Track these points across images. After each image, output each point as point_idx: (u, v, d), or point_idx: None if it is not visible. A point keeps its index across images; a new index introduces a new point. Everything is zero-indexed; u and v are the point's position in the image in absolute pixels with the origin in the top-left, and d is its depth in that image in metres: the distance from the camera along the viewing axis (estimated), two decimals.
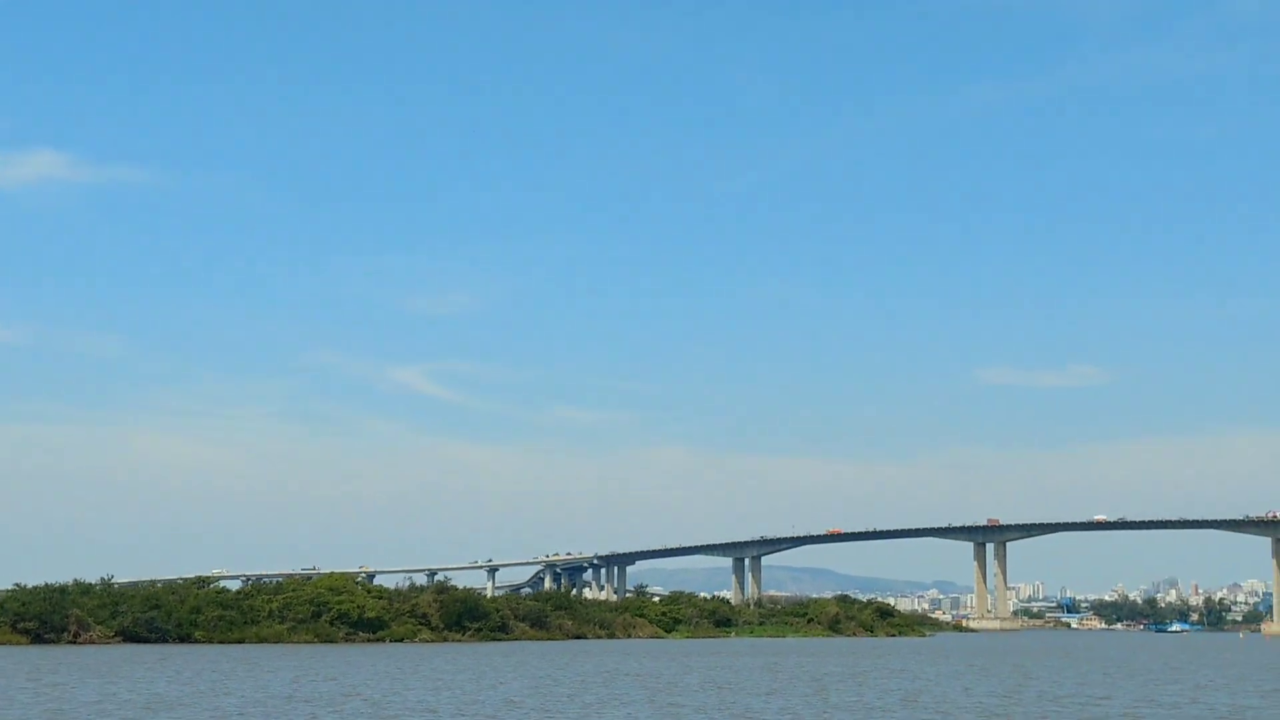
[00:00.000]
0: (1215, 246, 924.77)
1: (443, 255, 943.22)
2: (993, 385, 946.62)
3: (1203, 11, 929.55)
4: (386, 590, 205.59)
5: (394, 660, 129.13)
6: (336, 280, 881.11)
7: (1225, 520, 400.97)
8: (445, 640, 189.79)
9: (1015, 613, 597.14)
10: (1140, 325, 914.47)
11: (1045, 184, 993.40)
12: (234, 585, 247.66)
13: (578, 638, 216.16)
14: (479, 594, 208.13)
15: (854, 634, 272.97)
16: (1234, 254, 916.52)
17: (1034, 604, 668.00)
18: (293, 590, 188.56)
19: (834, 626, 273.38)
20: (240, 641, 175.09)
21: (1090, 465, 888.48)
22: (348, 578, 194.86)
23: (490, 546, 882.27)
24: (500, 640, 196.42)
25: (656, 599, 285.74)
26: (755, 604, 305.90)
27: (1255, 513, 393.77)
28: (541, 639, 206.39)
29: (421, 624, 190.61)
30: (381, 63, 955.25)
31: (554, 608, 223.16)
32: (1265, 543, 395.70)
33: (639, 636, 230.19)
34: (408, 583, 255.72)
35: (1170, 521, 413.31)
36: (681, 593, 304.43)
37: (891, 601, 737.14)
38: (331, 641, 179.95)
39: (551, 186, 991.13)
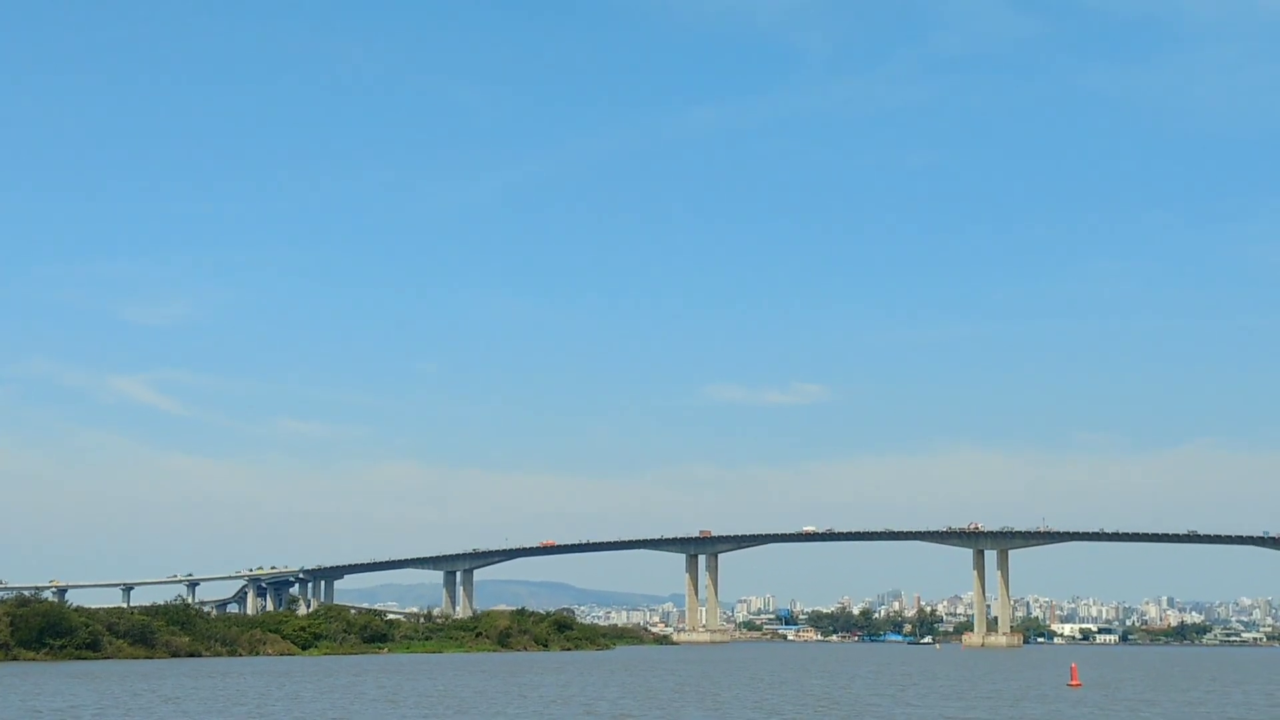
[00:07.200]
0: (931, 270, 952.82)
1: (158, 262, 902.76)
2: (720, 402, 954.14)
3: (911, 45, 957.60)
4: None
5: None
6: (47, 286, 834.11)
7: (930, 532, 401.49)
8: (15, 659, 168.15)
9: (739, 625, 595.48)
10: (862, 345, 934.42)
11: (768, 205, 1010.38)
12: None
13: (192, 655, 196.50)
14: (63, 607, 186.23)
15: (525, 648, 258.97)
16: (949, 278, 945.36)
17: (761, 616, 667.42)
18: None
19: (503, 641, 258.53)
20: None
21: (813, 480, 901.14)
22: None
23: (202, 561, 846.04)
24: (86, 659, 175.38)
25: (301, 614, 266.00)
26: (425, 618, 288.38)
27: (960, 525, 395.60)
28: (142, 657, 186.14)
29: None
30: (96, 63, 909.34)
31: (168, 622, 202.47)
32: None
33: (268, 654, 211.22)
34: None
35: (876, 533, 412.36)
36: (334, 606, 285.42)
37: (624, 614, 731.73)
38: None
39: (270, 195, 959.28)
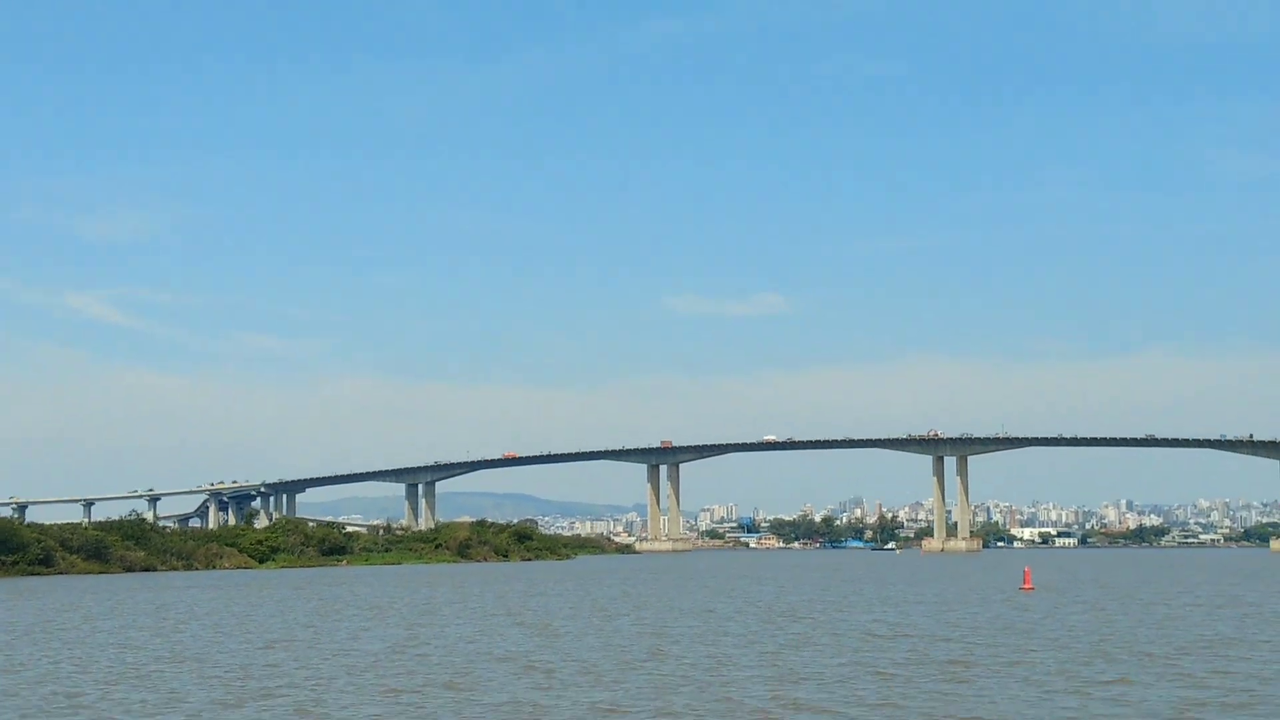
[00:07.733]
0: (889, 180, 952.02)
1: (114, 178, 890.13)
2: (680, 313, 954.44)
3: None
4: None
5: None
6: (2, 203, 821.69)
7: (890, 439, 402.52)
8: None
9: (702, 534, 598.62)
10: (822, 255, 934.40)
11: (726, 114, 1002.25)
12: None
13: (147, 570, 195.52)
14: (15, 523, 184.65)
15: (485, 559, 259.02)
16: (908, 188, 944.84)
17: (724, 525, 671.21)
18: None
19: (463, 552, 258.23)
20: None
21: (774, 390, 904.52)
22: None
23: (165, 477, 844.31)
24: (39, 575, 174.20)
25: (260, 527, 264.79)
26: (384, 530, 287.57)
27: (920, 432, 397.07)
28: (95, 572, 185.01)
29: None
30: None
31: (122, 537, 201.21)
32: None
33: (224, 568, 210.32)
34: None
35: (836, 441, 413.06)
36: (292, 519, 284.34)
37: (588, 525, 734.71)
38: None
39: (225, 109, 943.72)
